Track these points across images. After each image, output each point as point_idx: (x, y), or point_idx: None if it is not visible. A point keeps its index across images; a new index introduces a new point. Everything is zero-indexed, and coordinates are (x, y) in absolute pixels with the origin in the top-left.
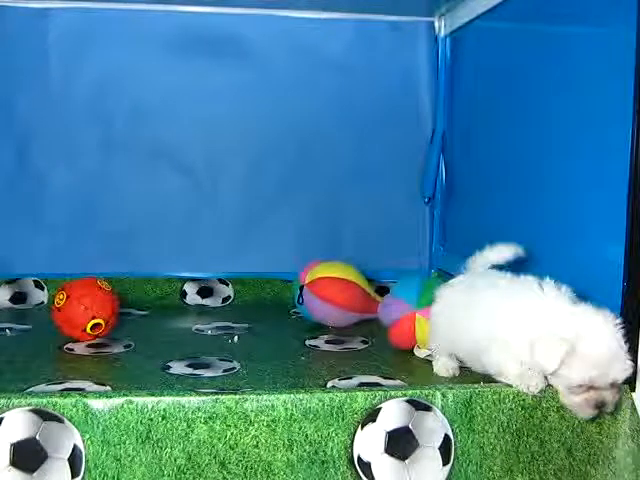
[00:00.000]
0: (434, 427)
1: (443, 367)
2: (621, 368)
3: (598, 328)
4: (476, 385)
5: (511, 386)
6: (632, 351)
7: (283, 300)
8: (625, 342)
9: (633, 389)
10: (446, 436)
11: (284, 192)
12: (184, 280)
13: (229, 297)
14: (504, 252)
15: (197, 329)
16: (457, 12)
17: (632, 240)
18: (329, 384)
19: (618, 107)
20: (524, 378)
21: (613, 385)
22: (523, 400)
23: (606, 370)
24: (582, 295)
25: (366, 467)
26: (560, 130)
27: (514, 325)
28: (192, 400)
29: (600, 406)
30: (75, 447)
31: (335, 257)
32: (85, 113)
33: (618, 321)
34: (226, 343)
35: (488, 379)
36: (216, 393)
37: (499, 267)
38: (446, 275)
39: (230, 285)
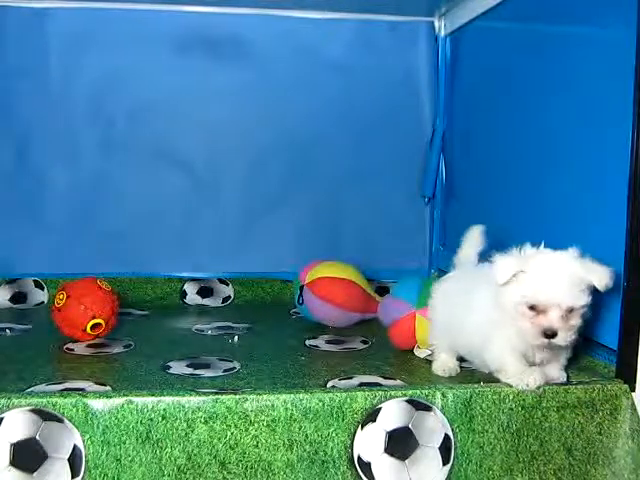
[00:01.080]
0: (434, 427)
1: (440, 367)
2: (568, 294)
3: (551, 255)
4: (476, 385)
5: (511, 386)
6: (632, 350)
7: (283, 300)
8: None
9: (633, 389)
10: (446, 436)
11: (284, 192)
12: (184, 280)
13: (229, 297)
14: (471, 235)
15: (197, 329)
16: (457, 12)
17: (632, 240)
18: (329, 384)
19: (618, 107)
20: (523, 375)
21: (564, 317)
22: (523, 400)
23: (549, 289)
24: None
25: (366, 467)
26: (560, 130)
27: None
28: (192, 400)
29: (549, 335)
30: (75, 447)
31: (335, 257)
32: (85, 113)
33: (583, 263)
34: (226, 343)
35: (488, 379)
36: (216, 393)
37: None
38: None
39: (230, 285)
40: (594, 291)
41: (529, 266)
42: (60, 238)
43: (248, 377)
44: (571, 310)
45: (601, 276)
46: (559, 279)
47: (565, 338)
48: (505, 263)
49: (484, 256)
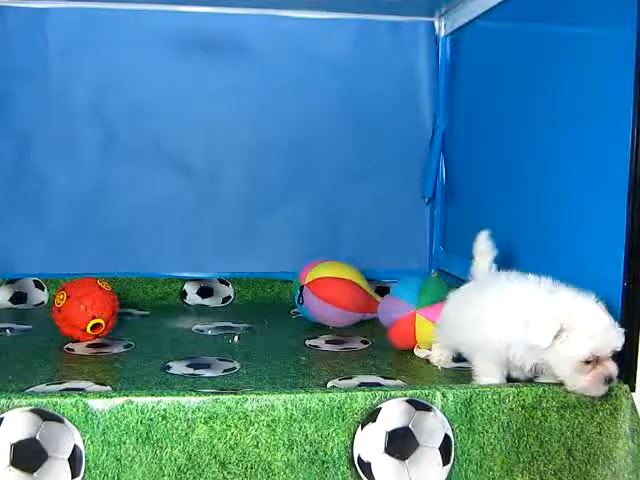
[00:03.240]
0: (434, 427)
1: (437, 357)
2: (617, 336)
3: (585, 303)
4: (476, 385)
5: (511, 386)
6: (632, 350)
7: (283, 300)
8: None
9: (633, 389)
10: (446, 436)
11: (284, 192)
12: (184, 280)
13: (229, 297)
14: (479, 244)
15: (197, 329)
16: (457, 12)
17: (632, 241)
18: (329, 384)
19: (618, 107)
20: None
21: (613, 357)
22: (523, 400)
23: (604, 338)
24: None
25: (366, 467)
26: (560, 130)
27: (505, 315)
28: (192, 400)
29: (609, 380)
30: (75, 447)
31: (335, 257)
32: (85, 113)
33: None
34: (226, 343)
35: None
36: (216, 393)
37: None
38: (446, 275)
39: (230, 285)
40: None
41: (574, 322)
42: (60, 238)
43: (248, 377)
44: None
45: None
46: (607, 326)
47: (616, 374)
48: (542, 325)
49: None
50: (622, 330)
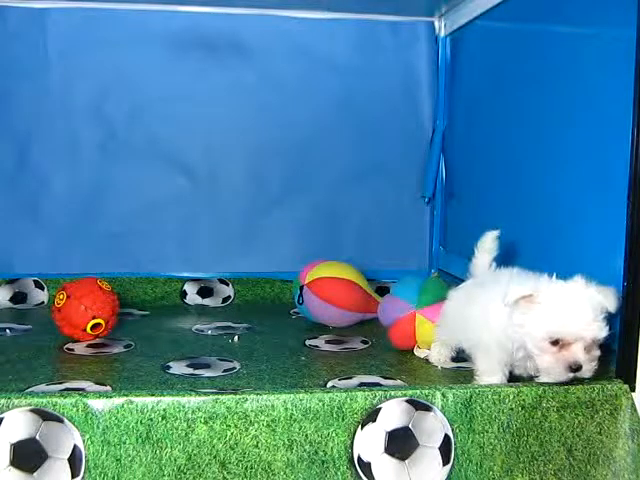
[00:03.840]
0: (434, 427)
1: (436, 356)
2: (590, 326)
3: (564, 286)
4: (476, 385)
5: (511, 386)
6: (632, 350)
7: (283, 300)
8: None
9: (633, 389)
10: (446, 436)
11: (284, 192)
12: (184, 280)
13: (229, 297)
14: (485, 241)
15: (197, 329)
16: (457, 12)
17: (632, 240)
18: (329, 384)
19: (618, 107)
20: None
21: (587, 349)
22: (523, 400)
23: (567, 323)
24: None
25: (366, 467)
26: (560, 130)
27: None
28: (192, 400)
29: (574, 368)
30: (75, 447)
31: (335, 257)
32: (85, 113)
33: (596, 288)
34: (226, 343)
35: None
36: (216, 393)
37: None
38: (446, 275)
39: (230, 285)
40: None
41: (547, 298)
42: (60, 238)
43: (248, 377)
44: (593, 341)
45: (612, 298)
46: (583, 311)
47: (589, 370)
48: (514, 290)
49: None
50: (601, 323)
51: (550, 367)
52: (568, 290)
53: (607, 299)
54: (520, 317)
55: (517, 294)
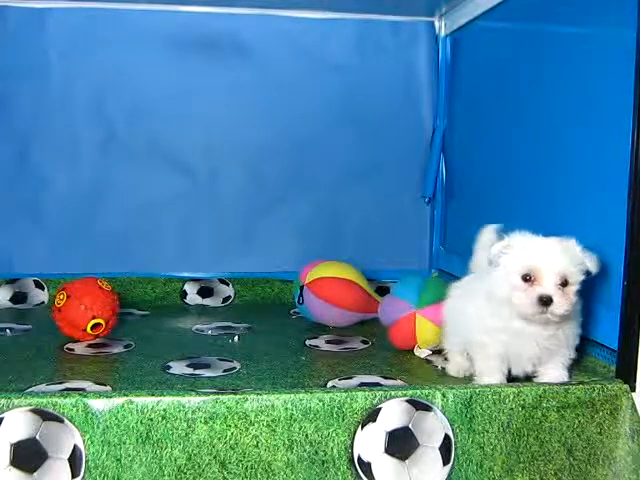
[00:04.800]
0: (434, 427)
1: (454, 368)
2: (558, 260)
3: (539, 237)
4: (476, 385)
5: (511, 386)
6: (632, 350)
7: (283, 300)
8: None
9: (633, 389)
10: (446, 436)
11: (284, 192)
12: (184, 280)
13: (229, 297)
14: (483, 237)
15: (197, 329)
16: (457, 12)
17: (632, 240)
18: (329, 384)
19: (618, 107)
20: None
21: (559, 288)
22: (523, 400)
23: (539, 257)
24: (582, 294)
25: (366, 467)
26: (560, 130)
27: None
28: (192, 400)
29: (544, 301)
30: (75, 447)
31: (335, 257)
32: (85, 113)
33: (579, 247)
34: (226, 343)
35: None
36: (216, 393)
37: None
38: (446, 275)
39: (230, 285)
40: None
41: (521, 241)
42: (60, 238)
43: (248, 377)
44: (565, 283)
45: (592, 258)
46: (552, 246)
47: (562, 306)
48: (497, 244)
49: None
50: (577, 265)
51: (522, 303)
52: (543, 238)
53: (588, 258)
54: (500, 261)
55: (498, 246)
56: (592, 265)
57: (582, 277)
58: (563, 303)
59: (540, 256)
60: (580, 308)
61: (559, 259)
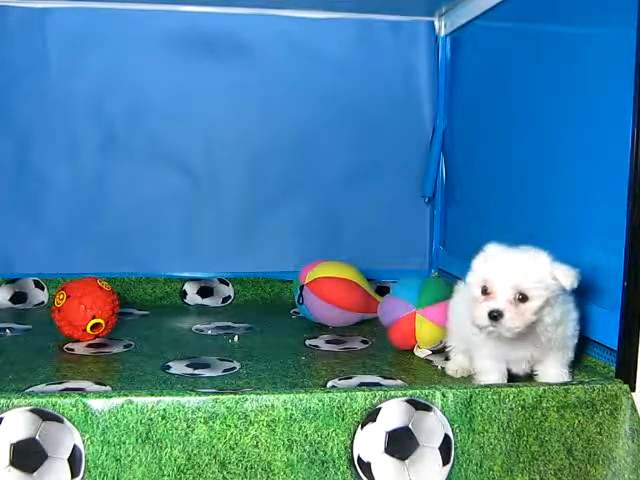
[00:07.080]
0: (434, 427)
1: (453, 367)
2: (512, 275)
3: (511, 249)
4: (476, 385)
5: (511, 386)
6: (632, 350)
7: (283, 300)
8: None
9: (633, 389)
10: (446, 436)
11: (284, 192)
12: (184, 280)
13: (229, 297)
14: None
15: (197, 329)
16: (457, 12)
17: (632, 240)
18: (329, 384)
19: (618, 107)
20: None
21: (514, 302)
22: (523, 400)
23: (494, 270)
24: (582, 294)
25: (366, 467)
26: (559, 130)
27: None
28: (192, 400)
29: (493, 315)
30: (75, 447)
31: (335, 257)
32: (85, 113)
33: (555, 262)
34: (226, 343)
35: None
36: (216, 393)
37: None
38: (446, 275)
39: (230, 285)
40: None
41: (489, 252)
42: (60, 238)
43: (248, 377)
44: (523, 298)
45: (566, 273)
46: (511, 260)
47: (512, 322)
48: (476, 260)
49: None
50: (540, 281)
51: (475, 315)
52: (509, 250)
53: (563, 275)
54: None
55: (476, 261)
56: (566, 280)
57: (549, 293)
58: (515, 319)
59: (496, 269)
60: (573, 307)
61: (515, 273)
